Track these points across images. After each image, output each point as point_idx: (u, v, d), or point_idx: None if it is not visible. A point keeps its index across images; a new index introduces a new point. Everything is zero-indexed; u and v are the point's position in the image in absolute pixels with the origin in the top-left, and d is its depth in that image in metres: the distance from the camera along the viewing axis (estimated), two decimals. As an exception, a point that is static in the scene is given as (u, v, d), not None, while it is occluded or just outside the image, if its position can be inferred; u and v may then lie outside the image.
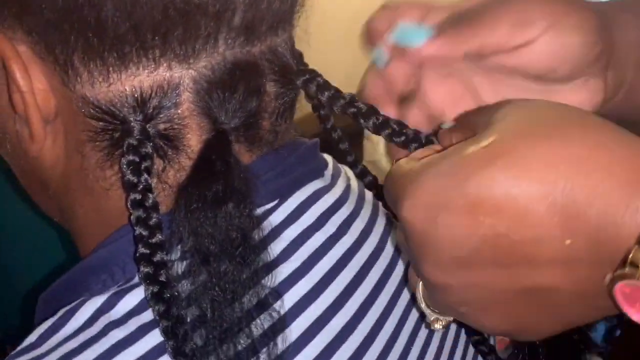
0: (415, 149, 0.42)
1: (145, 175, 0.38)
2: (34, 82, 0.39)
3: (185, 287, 0.37)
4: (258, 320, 0.37)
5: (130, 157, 0.37)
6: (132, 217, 0.37)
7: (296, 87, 0.44)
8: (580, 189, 0.30)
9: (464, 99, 0.44)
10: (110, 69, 0.37)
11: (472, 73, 0.43)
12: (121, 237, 0.41)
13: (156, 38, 0.36)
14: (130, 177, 0.37)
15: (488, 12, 0.41)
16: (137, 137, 0.38)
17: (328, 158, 0.51)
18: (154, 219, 0.37)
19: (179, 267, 0.37)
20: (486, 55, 0.41)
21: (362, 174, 0.51)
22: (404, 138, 0.43)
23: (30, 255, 0.78)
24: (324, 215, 0.45)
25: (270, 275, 0.39)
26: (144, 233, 0.37)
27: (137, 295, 0.38)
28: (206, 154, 0.38)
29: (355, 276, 0.45)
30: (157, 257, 0.37)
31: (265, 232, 0.40)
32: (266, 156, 0.43)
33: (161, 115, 0.38)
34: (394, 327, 0.46)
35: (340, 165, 0.52)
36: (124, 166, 0.37)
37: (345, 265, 0.45)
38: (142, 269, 0.37)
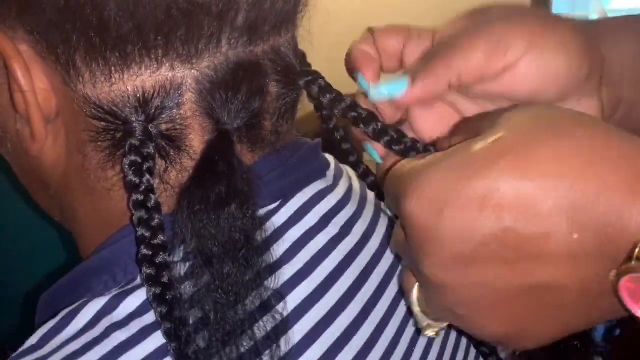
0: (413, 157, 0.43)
1: (148, 176, 0.37)
2: (35, 82, 0.38)
3: (187, 288, 0.37)
4: (261, 323, 0.37)
5: (132, 158, 0.37)
6: (134, 218, 0.37)
7: (299, 87, 0.44)
8: (588, 184, 0.31)
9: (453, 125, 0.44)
10: (113, 68, 0.37)
11: (460, 101, 0.44)
12: (123, 238, 0.40)
13: (159, 38, 0.36)
14: (133, 178, 0.37)
15: (462, 40, 0.40)
16: (139, 138, 0.37)
17: (330, 158, 0.51)
18: (156, 220, 0.37)
19: (181, 269, 0.37)
20: (469, 84, 0.41)
21: (364, 175, 0.51)
22: (403, 146, 0.43)
23: (30, 255, 0.78)
24: (327, 216, 0.45)
25: (273, 277, 0.39)
26: (146, 234, 0.37)
27: (139, 297, 0.38)
28: (209, 155, 0.38)
29: (357, 278, 0.45)
30: (160, 259, 0.37)
31: (268, 233, 0.40)
32: (268, 157, 0.43)
33: (163, 116, 0.38)
34: (396, 330, 0.46)
35: (342, 166, 0.52)
36: (126, 167, 0.37)
37: (347, 267, 0.45)
38: (144, 270, 0.36)
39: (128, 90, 0.37)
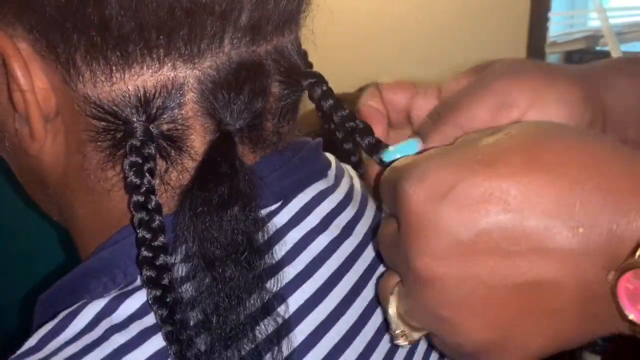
0: None
1: (148, 177, 0.37)
2: (34, 80, 0.38)
3: (188, 290, 0.36)
4: (262, 325, 0.37)
5: (133, 159, 0.37)
6: (134, 219, 0.37)
7: (302, 88, 0.43)
8: (595, 180, 0.31)
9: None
10: (114, 68, 0.36)
11: None
12: (123, 239, 0.40)
13: (161, 37, 0.36)
14: (133, 178, 0.37)
15: (468, 99, 0.41)
16: (140, 138, 0.37)
17: (331, 158, 0.51)
18: (156, 222, 0.37)
19: (182, 271, 0.37)
20: None
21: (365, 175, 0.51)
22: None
23: (29, 255, 0.78)
24: (328, 217, 0.45)
25: (275, 279, 0.38)
26: (147, 236, 0.36)
27: (138, 299, 0.38)
28: (211, 156, 0.38)
29: (359, 280, 0.45)
30: (160, 261, 0.36)
31: (269, 234, 0.40)
32: (269, 157, 0.43)
33: (165, 116, 0.38)
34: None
35: (343, 165, 0.52)
36: (127, 168, 0.37)
37: (349, 269, 0.44)
38: (144, 272, 0.36)
39: (129, 89, 0.37)
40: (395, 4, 2.26)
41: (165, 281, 0.36)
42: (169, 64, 0.37)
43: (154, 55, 0.36)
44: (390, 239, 0.37)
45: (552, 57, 2.14)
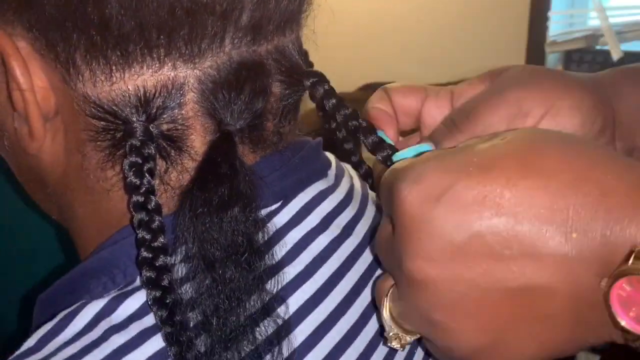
0: None
1: (148, 177, 0.37)
2: (33, 79, 0.38)
3: (188, 292, 0.36)
4: (262, 326, 0.37)
5: (133, 159, 0.37)
6: (134, 219, 0.37)
7: (303, 88, 0.43)
8: (589, 185, 0.31)
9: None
10: (113, 67, 0.36)
11: None
12: (122, 239, 0.40)
13: (161, 37, 0.35)
14: (133, 179, 0.37)
15: (484, 107, 0.42)
16: (139, 138, 0.37)
17: (331, 157, 0.50)
18: (156, 222, 0.37)
19: (181, 272, 0.37)
20: None
21: (366, 175, 0.51)
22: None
23: (29, 255, 0.77)
24: (328, 216, 0.45)
25: (275, 279, 0.38)
26: (147, 236, 0.36)
27: (138, 299, 0.38)
28: (211, 156, 0.37)
29: (359, 280, 0.44)
30: (160, 261, 0.36)
31: (270, 234, 0.40)
32: (269, 157, 0.43)
33: (165, 116, 0.37)
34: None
35: (343, 164, 0.52)
36: (126, 168, 0.37)
37: (349, 269, 0.44)
38: (144, 273, 0.36)
39: (129, 89, 0.37)
40: (396, 4, 2.26)
41: (165, 282, 0.36)
42: (170, 64, 0.37)
43: (154, 55, 0.36)
44: (386, 241, 0.37)
45: (552, 56, 2.14)
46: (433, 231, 0.33)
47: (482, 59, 2.00)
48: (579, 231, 0.31)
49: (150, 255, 0.36)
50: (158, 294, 0.36)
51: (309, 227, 0.43)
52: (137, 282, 0.38)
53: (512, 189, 0.32)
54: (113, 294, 0.38)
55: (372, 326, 0.44)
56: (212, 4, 0.36)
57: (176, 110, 0.38)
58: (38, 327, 0.39)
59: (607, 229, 0.30)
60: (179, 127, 0.38)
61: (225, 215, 0.36)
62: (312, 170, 0.46)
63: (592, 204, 0.31)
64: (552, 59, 2.16)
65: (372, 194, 0.51)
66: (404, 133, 0.48)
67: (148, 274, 0.36)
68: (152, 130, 0.37)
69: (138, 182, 0.36)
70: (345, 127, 0.45)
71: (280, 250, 0.41)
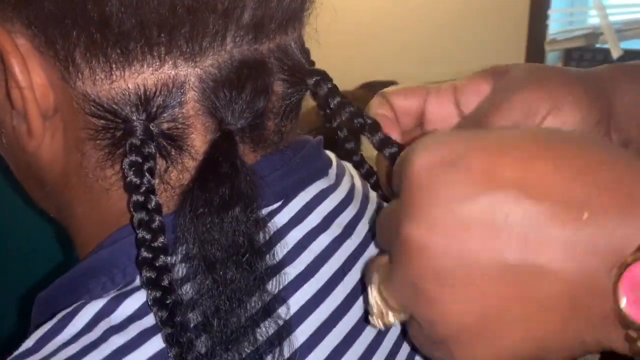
0: None
1: (148, 177, 0.36)
2: (32, 77, 0.38)
3: (188, 292, 0.36)
4: (263, 327, 0.36)
5: (133, 158, 0.36)
6: (134, 219, 0.36)
7: (306, 87, 0.43)
8: (605, 167, 0.31)
9: None
10: (113, 66, 0.36)
11: None
12: (122, 239, 0.39)
13: (162, 35, 0.35)
14: (133, 178, 0.36)
15: (494, 114, 0.43)
16: (139, 137, 0.36)
17: (332, 156, 0.50)
18: (156, 222, 0.36)
19: (182, 272, 0.36)
20: None
21: (367, 174, 0.51)
22: None
23: (27, 255, 0.77)
24: (329, 216, 0.44)
25: (275, 280, 0.38)
26: (147, 236, 0.36)
27: (137, 299, 0.37)
28: (212, 156, 0.37)
29: (360, 279, 0.44)
30: (160, 262, 0.36)
31: (270, 234, 0.39)
32: (270, 156, 0.42)
33: (165, 115, 0.37)
34: (399, 332, 0.45)
35: (344, 163, 0.51)
36: (126, 167, 0.36)
37: (350, 268, 0.44)
38: (144, 273, 0.36)
39: (129, 88, 0.36)
40: (397, 2, 2.26)
41: (165, 282, 0.35)
42: (170, 62, 0.36)
43: (155, 53, 0.36)
44: (388, 213, 0.37)
45: (552, 54, 2.15)
46: (437, 197, 0.32)
47: (482, 58, 2.00)
48: (590, 212, 0.30)
49: (151, 256, 0.36)
50: (158, 294, 0.35)
51: (310, 227, 0.43)
52: (137, 282, 0.38)
53: (525, 166, 0.32)
54: (112, 294, 0.38)
55: None
56: (213, 2, 0.35)
57: (177, 109, 0.37)
58: (37, 327, 0.38)
59: (621, 213, 0.30)
60: (180, 126, 0.38)
61: (226, 215, 0.35)
62: (313, 169, 0.46)
63: (605, 187, 0.30)
64: (552, 57, 2.16)
65: (372, 194, 0.51)
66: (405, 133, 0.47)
67: (148, 274, 0.35)
68: (152, 129, 0.37)
69: (138, 182, 0.36)
70: (351, 125, 0.44)
71: (281, 250, 0.41)
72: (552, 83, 0.43)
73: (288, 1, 0.39)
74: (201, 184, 0.36)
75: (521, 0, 2.11)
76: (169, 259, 0.36)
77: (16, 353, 0.37)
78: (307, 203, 0.44)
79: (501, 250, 0.31)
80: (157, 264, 0.36)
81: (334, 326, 0.41)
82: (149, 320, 0.37)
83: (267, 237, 0.38)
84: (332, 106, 0.44)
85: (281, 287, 0.38)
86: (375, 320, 0.38)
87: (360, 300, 0.43)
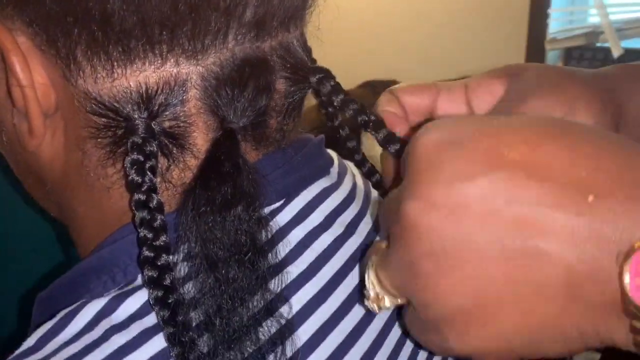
0: None
1: (150, 175, 0.36)
2: (33, 75, 0.37)
3: (190, 291, 0.36)
4: (265, 326, 0.36)
5: (135, 156, 0.36)
6: (135, 218, 0.36)
7: (309, 85, 0.43)
8: (612, 157, 0.31)
9: None
10: (115, 64, 0.36)
11: None
12: (123, 238, 0.39)
13: (164, 33, 0.35)
14: (135, 176, 0.36)
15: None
16: (141, 135, 0.36)
17: (333, 155, 0.50)
18: (158, 221, 0.36)
19: (183, 271, 0.36)
20: None
21: (369, 173, 0.50)
22: None
23: (27, 254, 0.77)
24: (332, 214, 0.44)
25: (278, 279, 0.38)
26: (148, 235, 0.36)
27: (139, 298, 0.37)
28: (214, 154, 0.37)
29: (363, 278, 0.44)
30: (162, 261, 0.36)
31: (272, 232, 0.39)
32: (272, 154, 0.42)
33: (167, 113, 0.37)
34: (402, 331, 0.45)
35: (345, 162, 0.51)
36: (128, 165, 0.36)
37: (352, 267, 0.44)
38: (145, 272, 0.35)
39: (130, 86, 0.36)
40: (397, 0, 2.26)
41: (167, 282, 0.35)
42: (172, 60, 0.36)
43: (157, 51, 0.36)
44: (392, 197, 0.36)
45: (552, 53, 2.14)
46: (439, 174, 0.32)
47: (482, 57, 2.01)
48: (596, 195, 0.29)
49: (152, 255, 0.36)
50: (160, 293, 0.35)
51: (312, 226, 0.43)
52: (138, 281, 0.38)
53: (531, 147, 0.31)
54: (113, 293, 0.38)
55: (376, 325, 0.43)
56: (215, 0, 0.35)
57: (178, 107, 0.37)
58: (38, 326, 0.38)
59: (629, 198, 0.29)
60: (181, 125, 0.37)
61: (229, 214, 0.35)
62: (315, 167, 0.45)
63: (612, 173, 0.30)
64: (552, 56, 2.16)
65: (374, 193, 0.51)
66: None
67: (150, 273, 0.35)
68: (154, 127, 0.37)
69: (140, 180, 0.36)
70: (355, 122, 0.44)
71: (283, 249, 0.41)
72: (566, 87, 0.43)
73: None
74: (203, 182, 0.36)
75: (521, -1, 2.11)
76: (170, 257, 0.36)
77: (17, 352, 0.37)
78: (309, 202, 0.43)
79: (500, 231, 0.31)
80: (159, 263, 0.35)
81: (336, 325, 0.41)
82: (151, 320, 0.37)
83: (269, 236, 0.38)
84: (335, 104, 0.44)
85: (283, 286, 0.38)
86: (371, 304, 0.37)
87: None
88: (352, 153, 0.50)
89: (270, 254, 0.37)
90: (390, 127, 0.44)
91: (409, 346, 0.45)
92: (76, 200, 0.42)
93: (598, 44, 2.09)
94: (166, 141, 0.37)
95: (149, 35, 0.35)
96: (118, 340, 0.36)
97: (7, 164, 0.46)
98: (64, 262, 0.73)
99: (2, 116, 0.42)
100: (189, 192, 0.36)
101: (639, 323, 0.29)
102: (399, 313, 0.44)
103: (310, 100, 0.45)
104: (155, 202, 0.36)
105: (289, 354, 0.37)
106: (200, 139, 0.38)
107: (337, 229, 0.44)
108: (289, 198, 0.43)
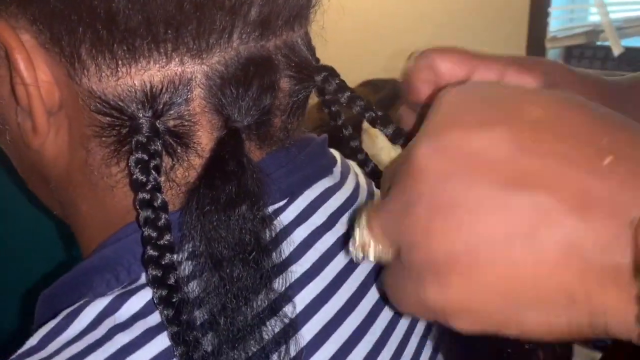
0: None
1: (154, 174, 0.36)
2: (37, 74, 0.37)
3: (194, 290, 0.36)
4: (269, 325, 0.36)
5: (139, 155, 0.36)
6: (140, 217, 0.36)
7: (313, 83, 0.42)
8: (629, 124, 0.30)
9: None
10: (119, 62, 0.36)
11: None
12: (126, 236, 0.39)
13: (169, 32, 0.35)
14: (139, 175, 0.36)
15: None
16: (146, 134, 0.36)
17: (336, 154, 0.50)
18: (162, 220, 0.36)
19: (188, 269, 0.36)
20: None
21: (372, 173, 0.50)
22: None
23: (30, 253, 0.77)
24: (334, 214, 0.44)
25: (281, 278, 0.38)
26: (153, 234, 0.36)
27: (142, 297, 0.37)
28: (218, 153, 0.37)
29: (365, 278, 0.44)
30: (166, 260, 0.35)
31: (276, 232, 0.39)
32: (276, 153, 0.42)
33: (171, 112, 0.37)
34: (405, 329, 0.45)
35: (348, 162, 0.51)
36: (132, 164, 0.36)
37: (355, 267, 0.44)
38: (150, 271, 0.35)
39: (135, 84, 0.36)
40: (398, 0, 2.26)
41: (171, 281, 0.35)
42: (177, 59, 0.36)
43: (162, 50, 0.35)
44: (399, 155, 0.36)
45: (552, 52, 2.14)
46: (459, 122, 0.31)
47: (482, 55, 1.99)
48: (616, 156, 0.28)
49: (157, 254, 0.35)
50: (164, 292, 0.35)
51: (315, 225, 0.43)
52: (141, 280, 0.38)
53: (550, 107, 0.31)
54: (116, 292, 0.38)
55: (379, 324, 0.43)
56: None
57: (183, 106, 0.37)
58: (40, 325, 0.38)
59: None
60: (186, 124, 0.37)
61: (233, 213, 0.35)
62: (318, 167, 0.45)
63: (633, 139, 0.29)
64: (553, 55, 2.16)
65: (377, 192, 0.51)
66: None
67: (154, 273, 0.35)
68: (158, 126, 0.37)
69: (144, 179, 0.36)
70: (358, 120, 0.44)
71: (287, 248, 0.41)
72: (589, 89, 0.43)
73: None
74: (207, 181, 0.36)
75: (521, -3, 2.11)
76: (174, 256, 0.36)
77: (20, 351, 0.37)
78: (312, 201, 0.43)
79: (508, 180, 0.29)
80: (163, 262, 0.35)
81: (340, 325, 0.41)
82: (154, 319, 0.36)
83: (273, 235, 0.38)
84: (342, 101, 0.44)
85: (287, 285, 0.38)
86: (356, 250, 0.36)
87: (366, 298, 0.43)
88: (355, 152, 0.50)
89: (274, 253, 0.37)
90: (422, 100, 0.42)
91: (412, 344, 0.45)
92: (80, 199, 0.42)
93: (598, 43, 2.09)
94: (170, 140, 0.37)
95: (154, 34, 0.35)
96: (121, 339, 0.36)
97: (10, 162, 0.46)
98: (66, 260, 0.73)
99: (6, 114, 0.42)
100: (193, 191, 0.36)
101: None
102: (386, 300, 0.43)
103: (311, 100, 0.45)
104: (159, 201, 0.36)
105: (292, 353, 0.37)
106: (205, 138, 0.38)
107: (339, 228, 0.44)
108: (293, 197, 0.42)
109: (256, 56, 0.38)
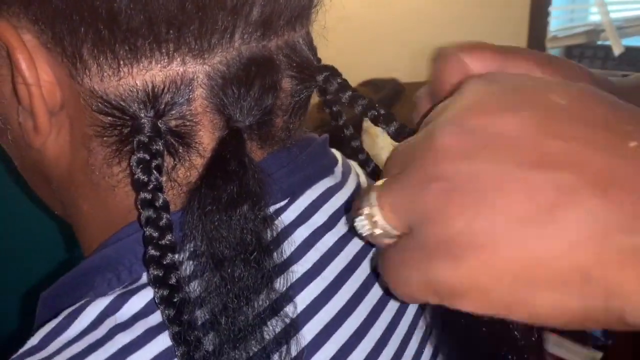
0: None
1: (156, 174, 0.36)
2: (39, 73, 0.37)
3: (196, 290, 0.36)
4: (270, 326, 0.36)
5: (141, 155, 0.36)
6: (141, 217, 0.36)
7: (315, 83, 0.42)
8: None
9: None
10: (121, 62, 0.36)
11: None
12: (128, 236, 0.39)
13: (171, 32, 0.35)
14: (141, 175, 0.36)
15: None
16: (147, 134, 0.36)
17: (337, 154, 0.50)
18: (164, 220, 0.36)
19: (189, 269, 0.36)
20: None
21: (373, 173, 0.50)
22: None
23: (31, 252, 0.77)
24: (335, 214, 0.44)
25: (282, 278, 0.38)
26: (154, 234, 0.36)
27: (143, 297, 0.37)
28: (220, 153, 0.37)
29: (367, 278, 0.44)
30: (167, 260, 0.36)
31: (277, 232, 0.39)
32: (277, 153, 0.42)
33: (173, 112, 0.37)
34: (406, 329, 0.45)
35: (349, 162, 0.51)
36: (134, 164, 0.36)
37: (356, 267, 0.44)
38: (151, 271, 0.35)
39: (137, 84, 0.36)
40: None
41: (173, 281, 0.35)
42: (179, 59, 0.36)
43: (163, 50, 0.35)
44: (418, 136, 0.34)
45: (553, 51, 2.14)
46: (484, 106, 0.31)
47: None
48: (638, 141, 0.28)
49: (158, 253, 0.35)
50: (165, 292, 0.35)
51: (316, 225, 0.43)
52: (142, 279, 0.38)
53: (572, 93, 0.31)
54: (118, 291, 0.38)
55: (381, 324, 0.43)
56: None
57: (185, 106, 0.37)
58: (41, 325, 0.38)
59: None
60: (188, 123, 0.37)
61: (234, 212, 0.35)
62: (320, 167, 0.45)
63: None
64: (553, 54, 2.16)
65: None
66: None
67: (155, 272, 0.35)
68: (160, 126, 0.37)
69: (146, 179, 0.36)
70: (364, 117, 0.44)
71: (288, 248, 0.41)
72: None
73: None
74: (209, 181, 0.36)
75: (521, -3, 2.11)
76: (176, 256, 0.36)
77: (21, 351, 0.37)
78: (313, 201, 0.43)
79: (531, 161, 0.29)
80: (165, 262, 0.35)
81: (341, 324, 0.41)
82: (155, 318, 0.36)
83: (275, 235, 0.38)
84: (344, 100, 0.44)
85: (288, 285, 0.38)
86: (362, 222, 0.34)
87: (367, 298, 0.43)
88: (356, 152, 0.50)
89: (275, 253, 0.37)
90: (448, 92, 0.40)
91: (413, 345, 0.45)
92: (81, 199, 0.42)
93: (599, 42, 2.09)
94: (172, 140, 0.37)
95: (155, 34, 0.35)
96: (122, 339, 0.36)
97: (11, 162, 0.46)
98: (67, 260, 0.73)
99: (7, 114, 0.42)
100: (194, 191, 0.36)
101: None
102: (388, 297, 0.44)
103: (312, 100, 0.45)
104: (161, 200, 0.36)
105: (293, 353, 0.37)
106: (206, 138, 0.38)
107: (341, 228, 0.44)
108: (294, 197, 0.43)
109: (258, 56, 0.38)
